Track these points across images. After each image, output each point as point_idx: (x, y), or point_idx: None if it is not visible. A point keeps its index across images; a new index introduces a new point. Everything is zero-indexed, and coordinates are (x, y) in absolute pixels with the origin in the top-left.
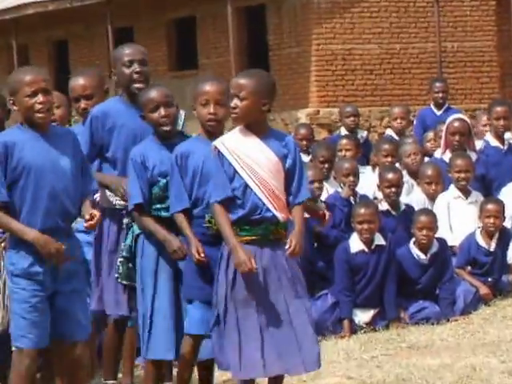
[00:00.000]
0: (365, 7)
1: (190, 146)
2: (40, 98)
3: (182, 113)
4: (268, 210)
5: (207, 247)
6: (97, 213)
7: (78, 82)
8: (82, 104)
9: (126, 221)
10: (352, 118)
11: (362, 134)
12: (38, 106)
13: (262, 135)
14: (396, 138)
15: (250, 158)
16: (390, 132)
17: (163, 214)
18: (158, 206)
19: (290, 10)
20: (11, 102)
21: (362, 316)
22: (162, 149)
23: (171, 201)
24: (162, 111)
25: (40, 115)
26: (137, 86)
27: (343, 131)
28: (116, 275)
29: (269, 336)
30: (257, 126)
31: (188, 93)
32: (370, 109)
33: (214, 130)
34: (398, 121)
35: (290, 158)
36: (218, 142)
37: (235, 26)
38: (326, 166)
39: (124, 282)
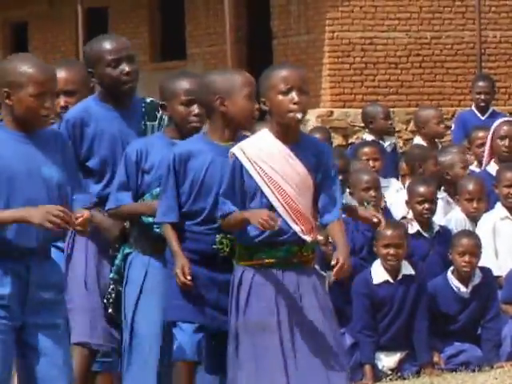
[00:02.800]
0: None
1: (192, 147)
2: (48, 102)
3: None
4: (293, 232)
5: (196, 266)
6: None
7: (60, 74)
8: (62, 101)
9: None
10: (383, 122)
11: (391, 140)
12: (45, 112)
13: (292, 142)
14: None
15: (275, 170)
16: (418, 140)
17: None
18: (151, 219)
19: None
20: (5, 93)
21: (387, 360)
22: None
23: (160, 209)
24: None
25: (46, 120)
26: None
27: (369, 137)
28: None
29: (293, 368)
30: (291, 130)
31: None
32: (394, 110)
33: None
34: (432, 123)
35: (322, 170)
36: (236, 149)
37: (232, 8)
38: (340, 177)
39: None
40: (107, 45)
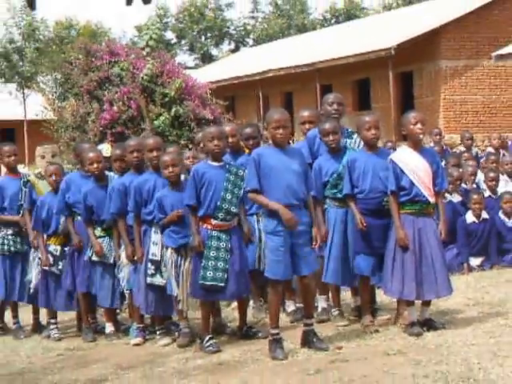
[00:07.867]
0: (473, 73)
1: (357, 156)
2: (281, 130)
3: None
4: (424, 196)
5: (370, 218)
6: None
7: (305, 113)
8: (307, 126)
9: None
10: (470, 142)
11: (475, 150)
12: (280, 135)
13: (419, 150)
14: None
15: (413, 164)
16: (490, 149)
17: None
18: (335, 190)
19: (427, 73)
20: (265, 128)
21: (475, 261)
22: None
23: (345, 186)
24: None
25: (281, 138)
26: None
27: (462, 148)
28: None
29: (421, 272)
30: (418, 144)
31: None
32: (476, 135)
33: (375, 145)
34: (496, 141)
35: (435, 164)
36: (393, 156)
37: (394, 84)
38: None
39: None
40: (330, 96)
